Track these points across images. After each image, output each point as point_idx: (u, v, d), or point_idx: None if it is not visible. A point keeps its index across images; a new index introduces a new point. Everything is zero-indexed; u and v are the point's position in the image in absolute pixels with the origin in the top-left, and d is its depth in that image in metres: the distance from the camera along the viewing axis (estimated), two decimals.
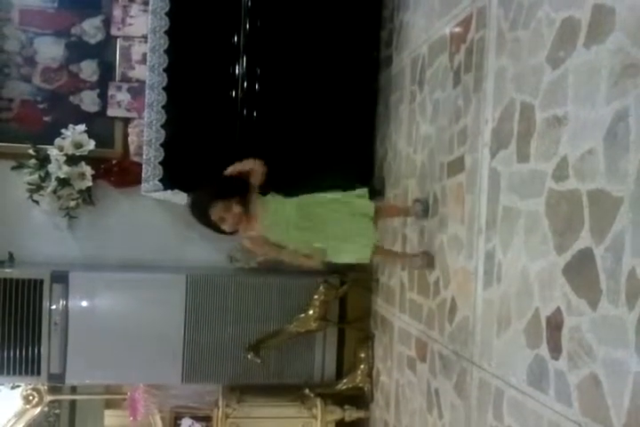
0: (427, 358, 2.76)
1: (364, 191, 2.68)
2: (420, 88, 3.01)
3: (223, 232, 2.51)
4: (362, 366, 3.69)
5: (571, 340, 1.66)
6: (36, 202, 3.94)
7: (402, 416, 3.13)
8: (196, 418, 3.96)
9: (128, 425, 4.02)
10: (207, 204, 2.45)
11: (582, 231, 1.62)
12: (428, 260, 2.69)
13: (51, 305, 3.70)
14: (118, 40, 4.05)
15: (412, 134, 3.09)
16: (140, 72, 3.97)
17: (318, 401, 3.68)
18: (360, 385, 3.70)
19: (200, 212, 2.49)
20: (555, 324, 1.74)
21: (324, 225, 2.56)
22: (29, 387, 3.97)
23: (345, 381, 3.75)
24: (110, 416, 4.14)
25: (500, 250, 2.09)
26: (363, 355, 3.70)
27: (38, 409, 4.00)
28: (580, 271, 1.62)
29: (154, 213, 4.05)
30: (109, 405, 4.17)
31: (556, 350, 1.73)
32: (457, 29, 2.57)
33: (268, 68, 3.57)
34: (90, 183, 3.92)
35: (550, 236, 1.78)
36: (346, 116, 3.63)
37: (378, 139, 3.69)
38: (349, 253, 2.63)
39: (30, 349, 3.71)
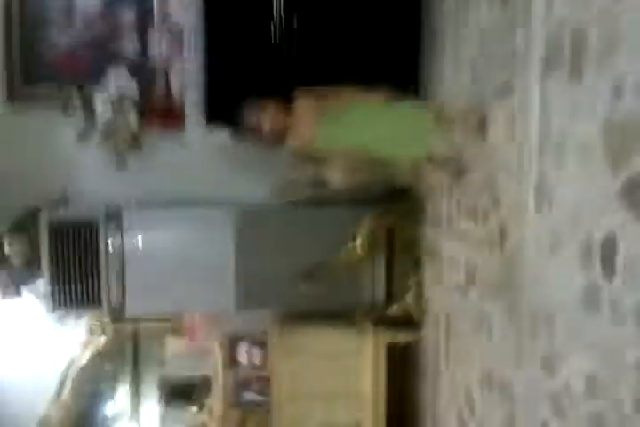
0: (476, 283, 2.81)
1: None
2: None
3: (267, 140, 2.47)
4: (412, 293, 3.77)
5: (625, 263, 1.67)
6: (87, 142, 4.00)
7: (452, 340, 3.22)
8: (253, 343, 4.11)
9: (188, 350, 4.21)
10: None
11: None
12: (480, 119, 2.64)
13: (107, 241, 3.84)
14: None
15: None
16: (179, 16, 3.91)
17: (370, 326, 3.80)
18: (410, 311, 3.80)
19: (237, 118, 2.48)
20: (609, 248, 1.74)
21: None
22: (93, 318, 4.16)
23: (395, 307, 3.84)
24: (172, 343, 4.33)
25: (552, 174, 2.07)
26: (412, 281, 3.77)
27: (103, 338, 4.20)
28: (636, 195, 1.61)
29: (200, 151, 4.07)
30: (172, 333, 4.35)
31: (610, 273, 1.74)
32: None
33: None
34: (136, 126, 3.96)
35: (605, 159, 1.76)
36: (390, 32, 3.51)
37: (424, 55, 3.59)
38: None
39: (91, 282, 3.87)
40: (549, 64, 2.08)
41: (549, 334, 2.10)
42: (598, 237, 1.80)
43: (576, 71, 1.91)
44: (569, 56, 1.95)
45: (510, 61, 2.39)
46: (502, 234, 2.50)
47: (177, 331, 4.27)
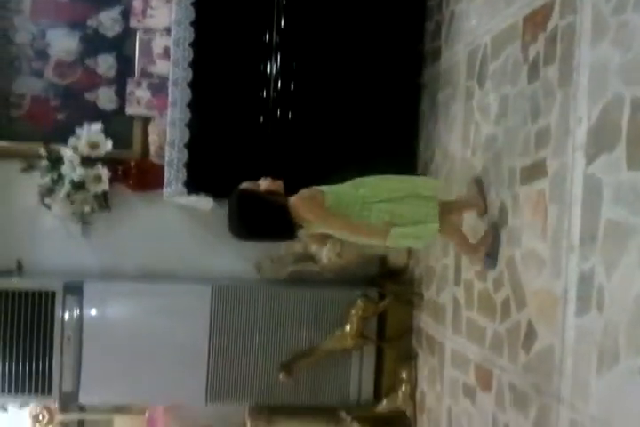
0: (492, 388, 2.45)
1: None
2: (479, 84, 2.71)
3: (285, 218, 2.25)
4: (403, 388, 3.39)
5: None
6: (48, 206, 3.64)
7: None
8: None
9: None
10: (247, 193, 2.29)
11: None
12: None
13: (63, 318, 3.42)
14: (138, 33, 3.74)
15: (469, 136, 2.78)
16: (161, 67, 3.66)
17: (355, 425, 3.38)
18: (401, 408, 3.40)
19: (252, 202, 2.27)
20: None
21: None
22: (39, 406, 3.69)
23: (384, 403, 3.45)
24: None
25: (602, 272, 1.78)
26: (404, 375, 3.40)
27: None
28: None
29: (175, 219, 3.74)
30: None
31: None
32: (532, 17, 2.27)
33: (304, 65, 3.30)
34: (106, 187, 3.62)
35: None
36: (387, 115, 3.34)
37: (422, 140, 3.39)
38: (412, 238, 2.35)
39: (41, 365, 3.44)
40: (599, 144, 1.83)
41: None
42: None
43: (637, 154, 1.65)
44: (625, 136, 1.70)
45: (542, 140, 2.15)
46: (529, 334, 2.18)
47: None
